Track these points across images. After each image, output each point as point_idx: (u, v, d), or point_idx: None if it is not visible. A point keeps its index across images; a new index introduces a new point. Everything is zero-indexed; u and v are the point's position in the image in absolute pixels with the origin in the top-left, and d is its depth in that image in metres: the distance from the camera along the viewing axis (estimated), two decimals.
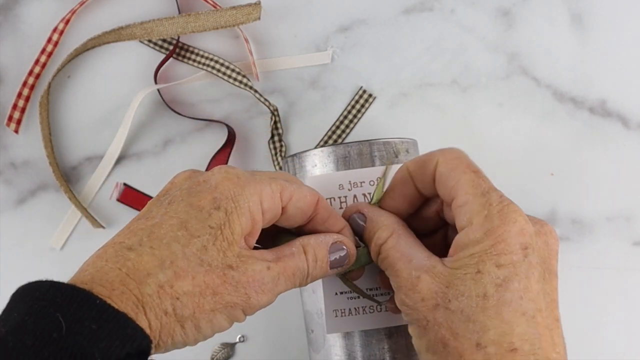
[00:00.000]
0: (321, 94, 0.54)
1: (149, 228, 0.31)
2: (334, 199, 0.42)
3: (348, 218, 0.38)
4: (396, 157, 0.43)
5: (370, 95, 0.53)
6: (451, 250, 0.34)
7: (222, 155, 0.52)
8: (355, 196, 0.42)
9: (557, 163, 0.53)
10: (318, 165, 0.42)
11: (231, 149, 0.52)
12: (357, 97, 0.53)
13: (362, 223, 0.38)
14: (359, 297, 0.41)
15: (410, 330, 0.34)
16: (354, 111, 0.53)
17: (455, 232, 0.34)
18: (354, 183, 0.42)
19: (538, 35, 0.54)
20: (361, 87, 0.53)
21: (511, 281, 0.31)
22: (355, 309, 0.41)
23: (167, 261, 0.30)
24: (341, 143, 0.43)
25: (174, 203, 0.32)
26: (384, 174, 0.40)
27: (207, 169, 0.52)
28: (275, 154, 0.52)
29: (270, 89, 0.54)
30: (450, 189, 0.34)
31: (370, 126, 0.54)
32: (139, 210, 0.52)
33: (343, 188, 0.42)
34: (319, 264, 0.36)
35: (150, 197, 0.52)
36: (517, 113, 0.54)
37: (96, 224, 0.52)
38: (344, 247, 0.37)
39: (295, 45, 0.54)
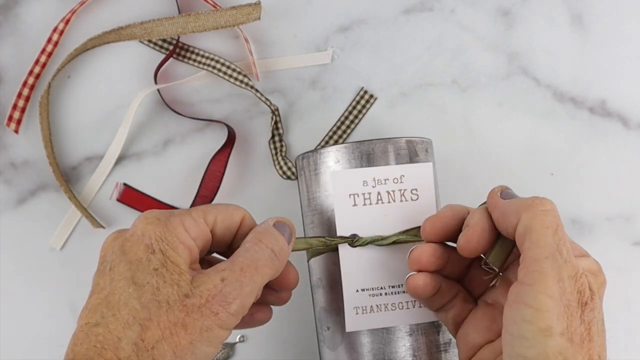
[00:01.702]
0: (321, 94, 0.54)
1: (104, 300, 0.32)
2: (358, 195, 0.42)
3: (499, 192, 0.38)
4: (417, 156, 0.43)
5: (371, 96, 0.53)
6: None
7: (222, 155, 0.52)
8: (379, 193, 0.42)
9: (557, 163, 0.53)
10: (341, 161, 0.42)
11: (231, 149, 0.52)
12: (358, 98, 0.53)
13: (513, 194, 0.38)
14: (380, 295, 0.41)
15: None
16: (355, 112, 0.53)
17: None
18: (378, 180, 0.42)
19: (538, 35, 0.54)
20: (362, 88, 0.53)
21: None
22: (376, 306, 0.41)
23: (130, 319, 0.31)
24: (365, 140, 0.43)
25: (115, 267, 0.33)
26: (502, 242, 0.38)
27: (207, 169, 0.52)
28: (276, 153, 0.52)
29: (270, 89, 0.54)
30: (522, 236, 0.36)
31: (371, 126, 0.54)
32: (139, 210, 0.52)
33: (367, 184, 0.42)
34: (279, 242, 0.36)
35: (151, 197, 0.53)
36: (517, 113, 0.54)
37: (96, 224, 0.52)
38: (284, 223, 0.38)
39: (295, 45, 0.54)
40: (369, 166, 0.42)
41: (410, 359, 0.41)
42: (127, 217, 0.53)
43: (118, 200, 0.52)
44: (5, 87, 0.53)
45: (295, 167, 0.48)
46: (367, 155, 0.42)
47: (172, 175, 0.53)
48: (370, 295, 0.41)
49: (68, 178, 0.53)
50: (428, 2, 0.54)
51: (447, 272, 0.40)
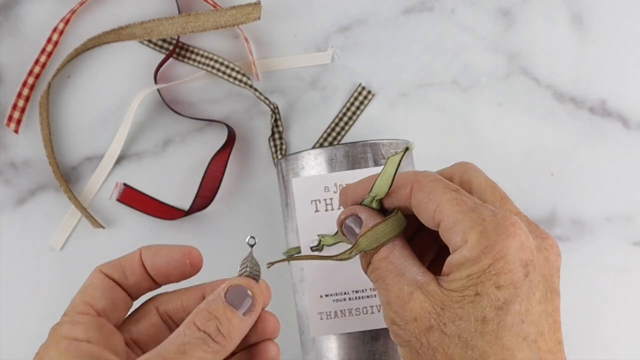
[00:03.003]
0: (321, 94, 0.54)
1: None
2: (319, 201, 0.42)
3: (342, 222, 0.35)
4: (383, 158, 0.43)
5: (369, 92, 0.53)
6: (445, 269, 0.31)
7: (222, 155, 0.52)
8: None
9: (557, 163, 0.53)
10: (306, 168, 0.42)
11: (231, 149, 0.52)
12: (356, 94, 0.53)
13: (356, 230, 0.34)
14: (344, 300, 0.41)
15: (401, 352, 0.32)
16: (352, 108, 0.53)
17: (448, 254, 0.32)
18: (339, 185, 0.42)
19: (538, 35, 0.54)
20: (360, 84, 0.53)
21: (512, 303, 0.29)
22: (341, 311, 0.41)
23: None
24: (329, 145, 0.42)
25: None
26: (388, 164, 0.34)
27: (207, 169, 0.52)
28: (276, 151, 0.52)
29: (270, 89, 0.54)
30: (434, 213, 0.31)
31: (370, 126, 0.54)
32: (139, 210, 0.52)
33: (329, 190, 0.42)
34: (222, 320, 0.31)
35: (150, 197, 0.52)
36: (517, 113, 0.54)
37: (96, 224, 0.52)
38: (240, 287, 0.32)
39: (295, 45, 0.54)
40: (332, 172, 0.42)
41: None
42: (127, 217, 0.53)
43: (118, 200, 0.52)
44: (5, 87, 0.53)
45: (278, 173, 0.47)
46: (330, 160, 0.42)
47: (172, 175, 0.53)
48: (334, 300, 0.41)
49: (68, 178, 0.53)
50: (428, 2, 0.54)
51: None
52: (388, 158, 0.33)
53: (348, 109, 0.53)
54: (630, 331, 0.52)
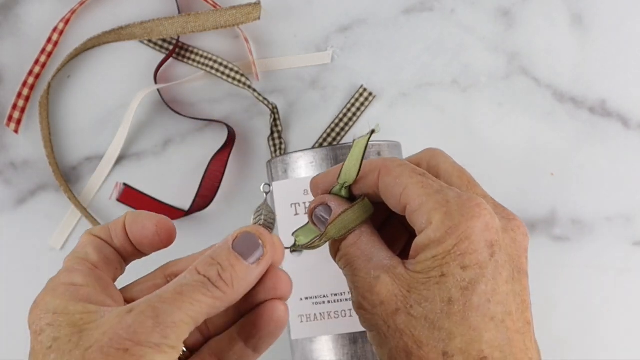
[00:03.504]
0: (321, 94, 0.54)
1: None
2: (299, 205, 0.42)
3: (312, 211, 0.34)
4: (365, 159, 0.43)
5: (370, 94, 0.53)
6: (412, 252, 0.31)
7: (222, 155, 0.52)
8: None
9: (557, 163, 0.53)
10: (287, 171, 0.42)
11: (231, 149, 0.52)
12: (357, 96, 0.53)
13: (325, 217, 0.33)
14: (324, 303, 0.41)
15: (370, 337, 0.32)
16: (353, 109, 0.53)
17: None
18: None
19: (538, 35, 0.54)
20: (362, 86, 0.53)
21: (478, 283, 0.29)
22: (320, 314, 0.41)
23: None
24: (309, 148, 0.42)
25: None
26: (354, 148, 0.33)
27: (207, 169, 0.52)
28: (275, 150, 0.52)
29: (270, 89, 0.54)
30: (400, 197, 0.31)
31: (370, 126, 0.54)
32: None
33: (308, 194, 0.42)
34: (225, 266, 0.29)
35: (150, 197, 0.53)
36: (517, 113, 0.54)
37: (96, 224, 0.52)
38: (250, 235, 0.30)
39: (295, 45, 0.54)
40: (313, 174, 0.42)
41: None
42: None
43: (118, 200, 0.52)
44: (5, 87, 0.53)
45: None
46: (310, 164, 0.42)
47: (172, 175, 0.53)
48: (313, 303, 0.41)
49: (68, 178, 0.53)
50: (428, 2, 0.54)
51: None
52: (354, 141, 0.33)
53: (349, 110, 0.53)
54: (630, 331, 0.52)
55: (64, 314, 0.27)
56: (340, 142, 0.53)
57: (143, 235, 0.32)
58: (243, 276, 0.29)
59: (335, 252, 0.34)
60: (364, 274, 0.31)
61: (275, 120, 0.52)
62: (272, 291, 0.31)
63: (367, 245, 0.32)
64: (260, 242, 0.30)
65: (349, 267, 0.32)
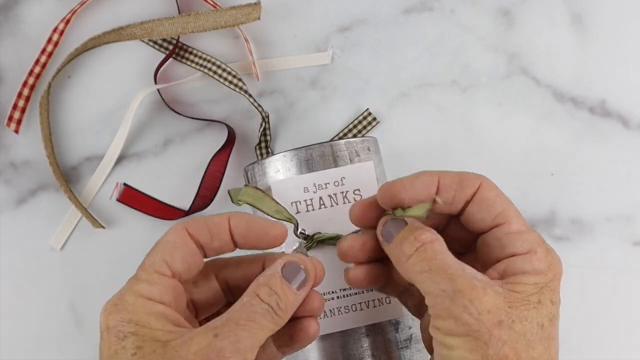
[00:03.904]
0: (321, 94, 0.54)
1: None
2: (300, 202, 0.42)
3: (385, 222, 0.36)
4: (358, 156, 0.43)
5: (374, 119, 0.53)
6: (501, 273, 0.34)
7: (222, 155, 0.52)
8: (321, 198, 0.42)
9: (557, 163, 0.53)
10: (281, 170, 0.42)
11: (231, 149, 0.52)
12: (360, 118, 0.53)
13: (395, 231, 0.36)
14: (333, 299, 0.41)
15: (461, 342, 0.32)
16: (354, 130, 0.53)
17: (483, 255, 0.35)
18: (318, 185, 0.42)
19: (538, 35, 0.54)
20: (367, 109, 0.53)
21: (556, 319, 0.34)
22: (330, 310, 0.41)
23: None
24: (303, 146, 0.42)
25: None
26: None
27: (207, 169, 0.52)
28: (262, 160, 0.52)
29: (270, 89, 0.54)
30: (498, 214, 0.35)
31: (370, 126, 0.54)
32: (139, 210, 0.52)
33: (308, 191, 0.42)
34: (281, 294, 0.33)
35: (150, 197, 0.53)
36: (517, 113, 0.54)
37: (96, 224, 0.52)
38: (296, 264, 0.34)
39: (295, 45, 0.54)
40: (308, 172, 0.42)
41: (370, 359, 0.41)
42: (127, 217, 0.53)
43: (118, 200, 0.52)
44: (5, 87, 0.53)
45: (245, 179, 0.47)
46: (306, 161, 0.42)
47: (172, 175, 0.53)
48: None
49: (68, 178, 0.53)
50: (428, 2, 0.54)
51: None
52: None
53: (350, 131, 0.53)
54: (630, 331, 0.52)
55: (146, 327, 0.31)
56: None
57: (261, 240, 0.36)
58: (293, 302, 0.34)
59: (414, 249, 0.34)
60: (467, 281, 0.32)
61: (265, 129, 0.52)
62: (308, 310, 0.35)
63: (453, 258, 0.34)
64: (302, 267, 0.34)
65: (441, 272, 0.33)
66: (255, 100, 0.52)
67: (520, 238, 0.34)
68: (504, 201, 0.35)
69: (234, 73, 0.52)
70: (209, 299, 0.37)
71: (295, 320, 0.36)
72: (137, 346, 0.31)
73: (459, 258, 0.35)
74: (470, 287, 0.32)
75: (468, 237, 0.37)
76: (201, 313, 0.38)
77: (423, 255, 0.34)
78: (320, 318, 0.40)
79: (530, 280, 0.33)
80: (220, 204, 0.52)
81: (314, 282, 0.35)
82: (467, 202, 0.35)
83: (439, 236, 0.35)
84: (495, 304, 0.32)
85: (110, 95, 0.53)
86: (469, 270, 0.33)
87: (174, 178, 0.53)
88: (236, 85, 0.52)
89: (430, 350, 0.37)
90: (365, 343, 0.41)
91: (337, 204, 0.42)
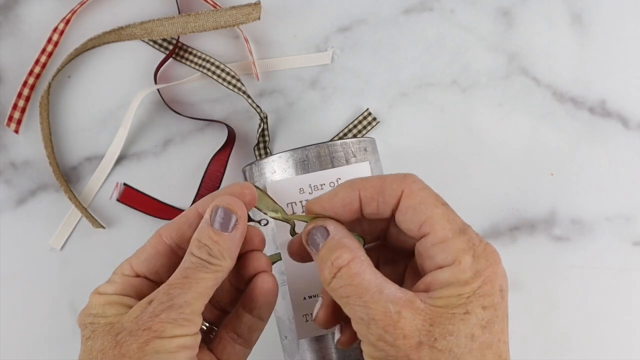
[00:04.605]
0: (321, 94, 0.54)
1: None
2: (296, 203, 0.42)
3: (309, 231, 0.35)
4: (354, 156, 0.43)
5: (374, 119, 0.53)
6: (429, 285, 0.32)
7: (222, 155, 0.52)
8: None
9: (557, 163, 0.53)
10: (277, 171, 0.42)
11: (231, 149, 0.52)
12: (360, 118, 0.53)
13: (320, 241, 0.35)
14: None
15: None
16: (354, 131, 0.53)
17: (415, 261, 0.34)
18: (314, 186, 0.42)
19: (538, 35, 0.54)
20: (367, 109, 0.53)
21: (493, 323, 0.31)
22: None
23: None
24: (299, 147, 0.42)
25: None
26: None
27: (207, 169, 0.52)
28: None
29: (270, 89, 0.54)
30: (422, 224, 0.33)
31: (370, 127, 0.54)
32: (139, 210, 0.52)
33: (304, 192, 0.42)
34: (211, 243, 0.34)
35: (150, 197, 0.53)
36: (517, 113, 0.54)
37: (96, 224, 0.52)
38: (224, 209, 0.35)
39: (295, 45, 0.54)
40: (305, 173, 0.42)
41: None
42: (127, 217, 0.53)
43: (118, 200, 0.52)
44: (5, 87, 0.53)
45: (243, 179, 0.47)
46: (302, 162, 0.42)
47: (172, 175, 0.53)
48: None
49: (68, 178, 0.53)
50: (428, 2, 0.54)
51: None
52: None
53: (350, 131, 0.53)
54: (630, 331, 0.52)
55: (100, 316, 0.34)
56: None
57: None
58: (228, 246, 0.34)
59: (331, 278, 0.33)
60: (381, 307, 0.31)
61: (263, 130, 0.52)
62: (249, 245, 0.36)
63: (372, 276, 0.32)
64: (231, 209, 0.35)
65: (357, 299, 0.32)
66: (253, 101, 0.52)
67: (445, 249, 0.32)
68: (428, 207, 0.33)
69: (232, 73, 0.52)
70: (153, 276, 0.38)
71: (251, 279, 0.37)
72: (91, 331, 0.33)
73: (404, 263, 0.36)
74: (384, 314, 0.31)
75: (410, 240, 0.36)
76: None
77: (340, 282, 0.33)
78: (314, 320, 0.40)
79: (453, 292, 0.31)
80: None
81: (246, 209, 0.35)
82: (394, 210, 0.34)
83: (357, 252, 0.33)
84: (413, 326, 0.31)
85: (110, 95, 0.53)
86: (388, 290, 0.32)
87: (174, 178, 0.53)
88: (235, 86, 0.52)
89: None
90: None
91: None
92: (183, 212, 0.37)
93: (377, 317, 0.31)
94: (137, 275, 0.36)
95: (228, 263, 0.34)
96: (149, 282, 0.36)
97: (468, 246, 0.32)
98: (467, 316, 0.31)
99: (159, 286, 0.34)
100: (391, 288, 0.32)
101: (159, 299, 0.32)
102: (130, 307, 0.34)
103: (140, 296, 0.35)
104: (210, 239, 0.34)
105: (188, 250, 0.34)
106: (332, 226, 0.35)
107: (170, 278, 0.34)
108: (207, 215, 0.35)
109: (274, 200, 0.40)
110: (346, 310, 0.33)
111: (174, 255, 0.36)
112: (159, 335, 0.31)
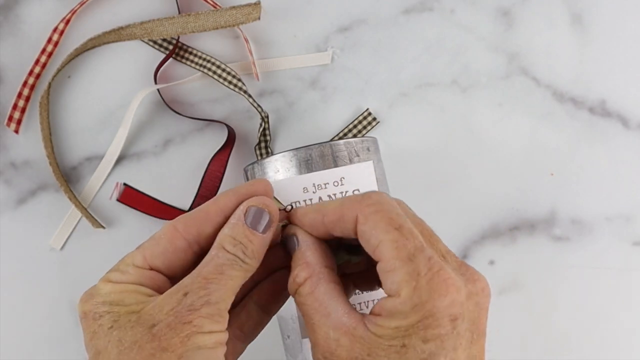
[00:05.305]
0: (321, 94, 0.54)
1: None
2: (299, 202, 0.42)
3: (286, 237, 0.36)
4: (357, 156, 0.43)
5: (374, 119, 0.53)
6: (376, 309, 0.32)
7: (222, 155, 0.52)
8: (320, 198, 0.42)
9: (557, 163, 0.53)
10: (281, 171, 0.42)
11: (231, 149, 0.52)
12: (360, 118, 0.53)
13: (290, 249, 0.36)
14: None
15: None
16: (354, 130, 0.53)
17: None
18: (318, 185, 0.42)
19: (538, 35, 0.54)
20: (367, 109, 0.53)
21: (437, 356, 0.30)
22: None
23: None
24: (302, 147, 0.42)
25: (88, 351, 0.33)
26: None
27: (207, 169, 0.52)
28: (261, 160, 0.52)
29: (270, 89, 0.54)
30: (374, 250, 0.32)
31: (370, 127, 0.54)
32: (139, 210, 0.52)
33: (307, 191, 0.42)
34: (245, 242, 0.33)
35: (150, 197, 0.52)
36: (517, 113, 0.54)
37: (96, 224, 0.52)
38: (258, 209, 0.34)
39: (295, 45, 0.54)
40: (308, 172, 0.42)
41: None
42: (127, 217, 0.53)
43: (118, 200, 0.52)
44: (5, 87, 0.53)
45: (245, 179, 0.47)
46: (305, 161, 0.42)
47: (172, 175, 0.53)
48: None
49: (68, 178, 0.53)
50: (428, 2, 0.54)
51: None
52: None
53: (350, 131, 0.53)
54: (630, 331, 0.52)
55: (120, 305, 0.32)
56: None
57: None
58: (260, 246, 0.34)
59: (293, 294, 0.34)
60: (323, 333, 0.32)
61: (264, 129, 0.52)
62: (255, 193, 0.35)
63: (325, 296, 0.33)
64: (264, 209, 0.34)
65: (307, 318, 0.33)
66: (254, 101, 0.52)
67: (390, 278, 0.31)
68: (380, 233, 0.32)
69: (233, 73, 0.52)
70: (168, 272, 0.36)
71: (272, 274, 0.37)
72: (113, 320, 0.32)
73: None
74: (325, 339, 0.32)
75: None
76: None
77: (299, 299, 0.33)
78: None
79: (392, 324, 0.30)
80: None
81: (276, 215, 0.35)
82: (356, 234, 0.33)
83: (315, 269, 0.34)
84: (350, 356, 0.31)
85: (110, 95, 0.53)
86: (335, 314, 0.32)
87: (174, 178, 0.53)
88: (235, 86, 0.52)
89: None
90: None
91: None
92: (198, 208, 0.35)
93: (319, 341, 0.32)
94: (151, 269, 0.34)
95: (256, 264, 0.34)
96: (163, 276, 0.35)
97: (411, 277, 0.30)
98: (404, 349, 0.30)
99: (172, 281, 0.34)
100: (339, 312, 0.32)
101: (196, 293, 0.31)
102: (150, 296, 0.33)
103: (156, 289, 0.34)
104: (246, 238, 0.34)
105: (219, 246, 0.33)
106: (301, 235, 0.35)
107: (202, 269, 0.33)
108: (240, 213, 0.34)
109: (278, 200, 0.40)
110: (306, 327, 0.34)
111: (190, 251, 0.35)
112: (199, 330, 0.31)
